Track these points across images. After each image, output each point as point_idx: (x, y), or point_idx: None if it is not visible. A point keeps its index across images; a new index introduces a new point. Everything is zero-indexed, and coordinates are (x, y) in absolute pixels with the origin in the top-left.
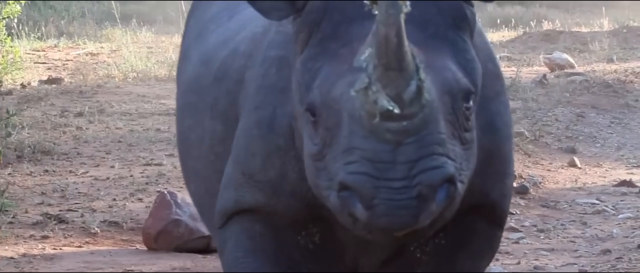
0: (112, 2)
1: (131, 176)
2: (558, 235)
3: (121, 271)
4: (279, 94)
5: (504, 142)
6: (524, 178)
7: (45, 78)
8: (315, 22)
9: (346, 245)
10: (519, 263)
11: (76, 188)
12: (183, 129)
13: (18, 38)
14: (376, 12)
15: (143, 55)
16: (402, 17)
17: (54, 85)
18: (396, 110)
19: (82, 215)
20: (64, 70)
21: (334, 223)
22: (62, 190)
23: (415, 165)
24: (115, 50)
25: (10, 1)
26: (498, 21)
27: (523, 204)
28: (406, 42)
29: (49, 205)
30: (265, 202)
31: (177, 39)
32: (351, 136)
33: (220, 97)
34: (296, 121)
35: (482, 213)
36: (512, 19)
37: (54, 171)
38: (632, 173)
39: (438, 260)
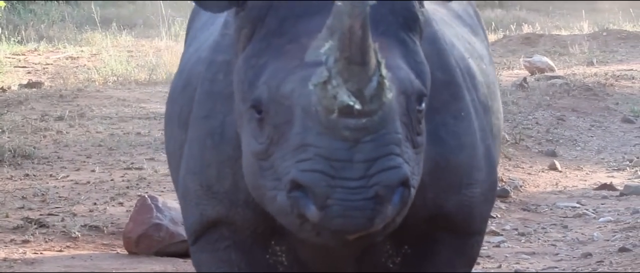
0: (92, 5)
1: (112, 180)
2: (539, 239)
3: None
4: (227, 101)
5: (455, 154)
6: (505, 182)
7: (25, 82)
8: (260, 17)
9: (312, 265)
10: (500, 267)
11: (57, 193)
12: (165, 139)
13: None
14: (340, 3)
15: (123, 59)
16: (368, 9)
17: (34, 89)
18: (357, 106)
19: (62, 220)
20: (44, 74)
21: (295, 240)
22: (43, 195)
23: (373, 165)
24: (95, 54)
25: None
26: None
27: (504, 208)
28: (370, 36)
29: (30, 209)
30: (225, 213)
31: (157, 43)
32: (305, 133)
33: (184, 106)
34: (238, 120)
35: (440, 224)
36: (492, 22)
37: (34, 175)
38: (612, 177)
39: (407, 271)
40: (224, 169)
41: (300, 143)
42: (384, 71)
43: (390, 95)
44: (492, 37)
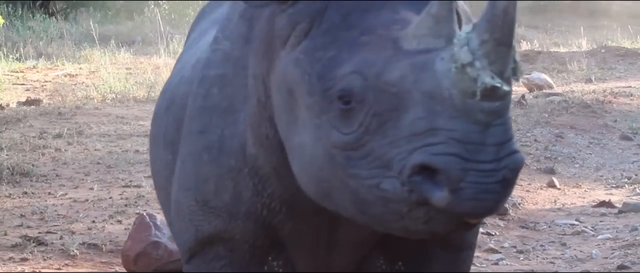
0: (91, 23)
1: (110, 198)
2: (537, 256)
3: None
4: (225, 115)
5: None
6: None
7: (23, 99)
8: (319, 11)
9: None
10: None
11: (55, 210)
12: (150, 160)
13: None
14: None
15: (122, 77)
16: None
17: (32, 107)
18: (504, 87)
19: (61, 237)
20: (42, 91)
21: (292, 253)
22: (41, 212)
23: (502, 148)
24: (93, 72)
25: None
26: None
27: (502, 225)
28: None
29: (28, 227)
30: (224, 228)
31: (156, 60)
32: (432, 117)
33: (169, 126)
34: (284, 117)
35: (438, 240)
36: None
37: (32, 193)
38: (611, 194)
39: None
40: (223, 182)
41: (426, 128)
42: (516, 55)
43: (518, 79)
44: None
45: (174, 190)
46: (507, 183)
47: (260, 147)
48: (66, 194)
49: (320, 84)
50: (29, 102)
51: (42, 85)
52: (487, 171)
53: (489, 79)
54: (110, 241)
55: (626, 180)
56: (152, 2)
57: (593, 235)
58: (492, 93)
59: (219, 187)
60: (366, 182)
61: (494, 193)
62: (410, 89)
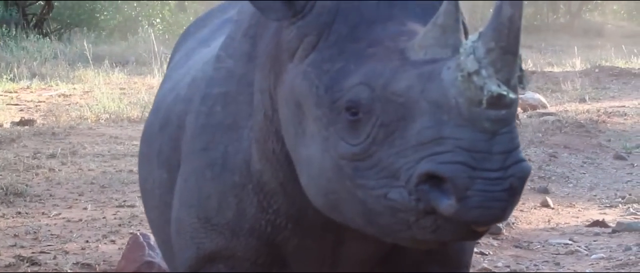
0: (85, 43)
1: (104, 218)
2: None
3: None
4: (228, 132)
5: None
6: None
7: (17, 119)
8: (327, 24)
9: None
10: None
11: (49, 230)
12: (140, 179)
13: None
14: None
15: (115, 97)
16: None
17: (26, 127)
18: (511, 95)
19: (54, 257)
20: (36, 111)
21: (295, 271)
22: (35, 232)
23: (509, 157)
24: (87, 92)
25: None
26: None
27: (496, 245)
28: None
29: (22, 247)
30: (226, 245)
31: (150, 80)
32: (439, 126)
33: (164, 144)
34: (292, 130)
35: (436, 256)
36: None
37: (26, 213)
38: (604, 214)
39: None
40: (226, 199)
41: (433, 137)
42: (521, 63)
43: (524, 87)
44: None
45: (174, 208)
46: (513, 192)
47: (267, 162)
48: (60, 214)
49: (327, 96)
50: (22, 122)
51: (36, 106)
52: (494, 179)
53: (495, 87)
54: (104, 261)
55: (620, 199)
56: (146, 22)
57: (587, 255)
58: (498, 101)
59: (222, 204)
60: (374, 192)
61: (501, 201)
62: (417, 99)
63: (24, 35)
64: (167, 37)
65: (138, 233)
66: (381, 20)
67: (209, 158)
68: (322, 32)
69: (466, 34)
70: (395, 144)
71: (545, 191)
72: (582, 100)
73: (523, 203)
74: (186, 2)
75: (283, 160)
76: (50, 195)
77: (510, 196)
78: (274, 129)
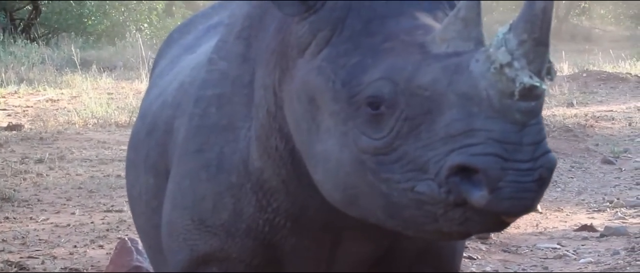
0: (72, 48)
1: (92, 223)
2: None
3: None
4: (224, 133)
5: None
6: None
7: (5, 124)
8: (340, 19)
9: None
10: None
11: (37, 235)
12: (128, 186)
13: None
14: None
15: (103, 102)
16: None
17: (14, 132)
18: (543, 86)
19: (42, 262)
20: (24, 116)
21: (289, 267)
22: (23, 237)
23: (538, 148)
24: (75, 97)
25: None
26: None
27: (484, 249)
28: None
29: (10, 252)
30: (220, 247)
31: (138, 85)
32: (469, 118)
33: (151, 150)
34: (305, 125)
35: (428, 261)
36: None
37: (14, 218)
38: (592, 218)
39: None
40: (222, 200)
41: (463, 129)
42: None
43: (552, 78)
44: None
45: (166, 212)
46: (542, 182)
47: (268, 159)
48: (48, 219)
49: (345, 91)
50: (10, 128)
51: (24, 111)
52: (524, 170)
53: (527, 79)
54: (92, 266)
55: (608, 204)
56: (134, 27)
57: (575, 259)
58: (530, 92)
59: (217, 205)
60: (400, 186)
61: (532, 191)
62: (444, 92)
63: (12, 40)
64: (154, 42)
65: (126, 238)
66: (393, 15)
67: (204, 160)
68: (335, 27)
69: None
70: (422, 137)
71: None
72: (570, 105)
73: None
74: (173, 8)
75: (286, 157)
76: (38, 200)
77: (540, 186)
78: (277, 126)
